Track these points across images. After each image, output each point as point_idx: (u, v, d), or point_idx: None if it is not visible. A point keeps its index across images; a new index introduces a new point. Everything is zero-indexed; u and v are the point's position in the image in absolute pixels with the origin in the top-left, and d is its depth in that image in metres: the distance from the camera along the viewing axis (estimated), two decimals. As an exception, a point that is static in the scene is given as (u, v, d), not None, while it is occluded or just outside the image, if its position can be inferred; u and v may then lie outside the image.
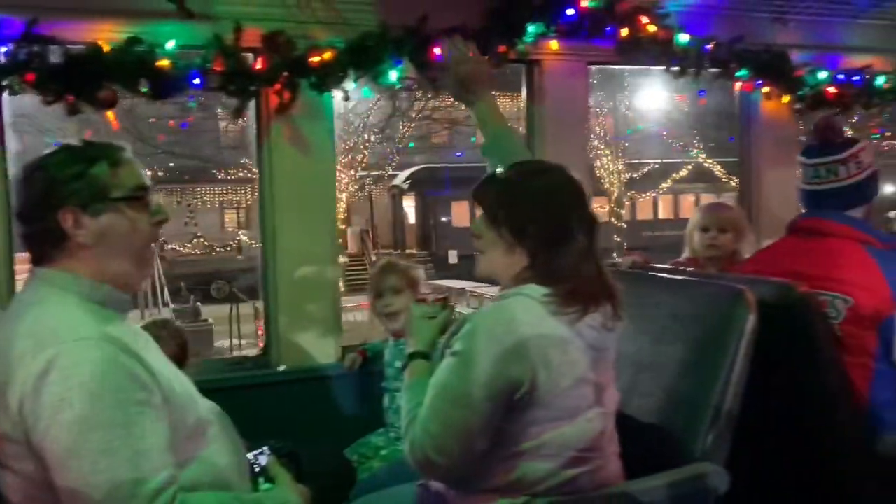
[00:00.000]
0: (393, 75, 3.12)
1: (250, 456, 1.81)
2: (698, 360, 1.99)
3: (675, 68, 3.68)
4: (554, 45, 3.51)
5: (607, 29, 3.48)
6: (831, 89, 4.12)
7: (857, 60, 4.31)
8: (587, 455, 1.75)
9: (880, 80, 4.27)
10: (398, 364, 2.55)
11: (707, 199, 16.46)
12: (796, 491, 2.26)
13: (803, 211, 2.54)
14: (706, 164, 17.62)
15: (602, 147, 17.23)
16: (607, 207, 18.14)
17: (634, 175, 19.36)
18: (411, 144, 20.02)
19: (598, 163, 17.45)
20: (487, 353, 1.66)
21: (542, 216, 1.76)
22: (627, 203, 20.56)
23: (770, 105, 4.12)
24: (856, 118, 7.48)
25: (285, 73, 2.98)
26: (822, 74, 4.13)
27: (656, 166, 19.19)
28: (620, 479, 1.85)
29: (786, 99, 4.10)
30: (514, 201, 1.80)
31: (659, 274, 2.57)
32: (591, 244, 1.77)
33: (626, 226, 19.78)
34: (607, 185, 17.83)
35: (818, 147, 2.47)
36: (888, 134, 12.12)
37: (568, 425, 1.71)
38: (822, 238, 2.40)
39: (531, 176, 1.85)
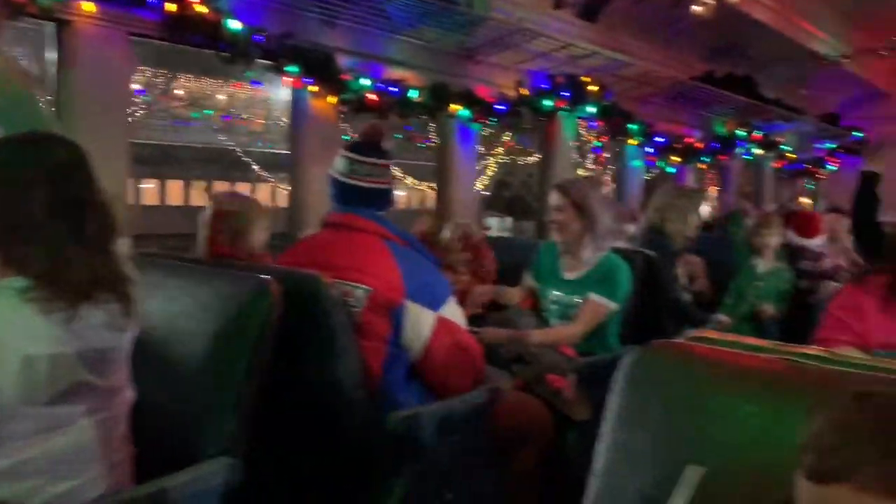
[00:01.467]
0: None
1: None
2: (221, 352, 1.93)
3: (225, 54, 3.62)
4: (89, 6, 3.16)
5: (152, 1, 3.25)
6: (372, 96, 4.48)
7: (396, 73, 4.77)
8: (85, 465, 1.56)
9: (413, 93, 4.80)
10: None
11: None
12: (318, 473, 2.37)
13: (334, 204, 2.66)
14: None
15: None
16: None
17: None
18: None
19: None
20: None
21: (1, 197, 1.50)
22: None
23: (318, 103, 4.32)
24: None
25: None
26: (365, 81, 4.47)
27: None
28: (129, 483, 1.70)
29: (332, 100, 4.34)
30: None
31: (185, 263, 2.46)
32: (80, 229, 1.54)
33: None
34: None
35: (365, 147, 2.62)
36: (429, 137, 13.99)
37: (60, 436, 1.51)
38: (351, 232, 2.55)
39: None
